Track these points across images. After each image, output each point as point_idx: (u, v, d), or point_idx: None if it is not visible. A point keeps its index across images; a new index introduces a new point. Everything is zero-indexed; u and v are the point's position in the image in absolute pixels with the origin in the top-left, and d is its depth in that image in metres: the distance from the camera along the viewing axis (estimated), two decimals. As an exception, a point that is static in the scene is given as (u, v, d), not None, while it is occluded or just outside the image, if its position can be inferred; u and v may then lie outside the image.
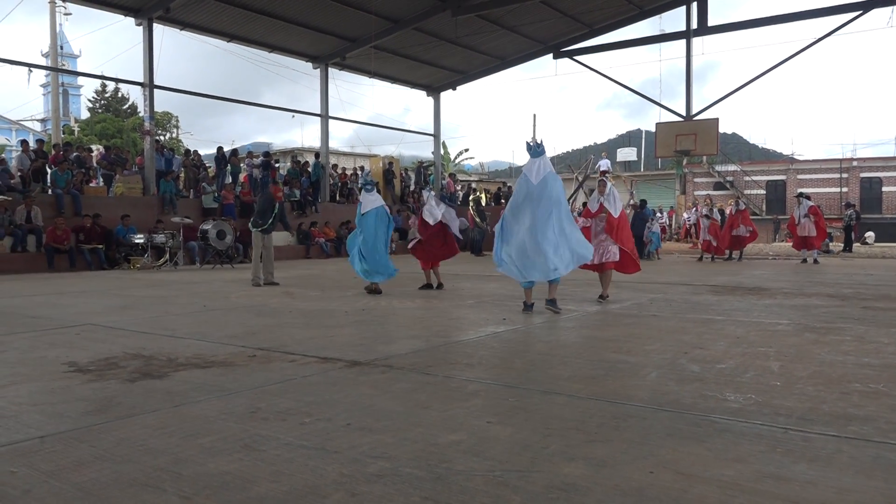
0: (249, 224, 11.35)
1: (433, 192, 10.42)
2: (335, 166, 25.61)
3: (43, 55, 44.90)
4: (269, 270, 11.11)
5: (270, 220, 11.15)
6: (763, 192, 38.98)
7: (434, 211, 9.66)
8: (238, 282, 11.74)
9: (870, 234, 30.11)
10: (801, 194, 18.35)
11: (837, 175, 37.47)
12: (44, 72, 38.71)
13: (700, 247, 19.14)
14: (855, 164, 37.89)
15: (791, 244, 18.93)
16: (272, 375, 4.22)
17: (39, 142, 17.91)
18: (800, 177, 38.36)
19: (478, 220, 22.27)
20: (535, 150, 7.04)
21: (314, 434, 3.01)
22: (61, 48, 35.73)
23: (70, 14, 35.14)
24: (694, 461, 2.64)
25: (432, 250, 9.77)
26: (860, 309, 7.40)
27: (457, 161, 46.89)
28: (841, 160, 38.46)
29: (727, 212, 18.84)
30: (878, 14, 20.46)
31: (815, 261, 16.69)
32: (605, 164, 27.26)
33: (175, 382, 4.04)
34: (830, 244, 22.45)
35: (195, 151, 21.73)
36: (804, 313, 7.07)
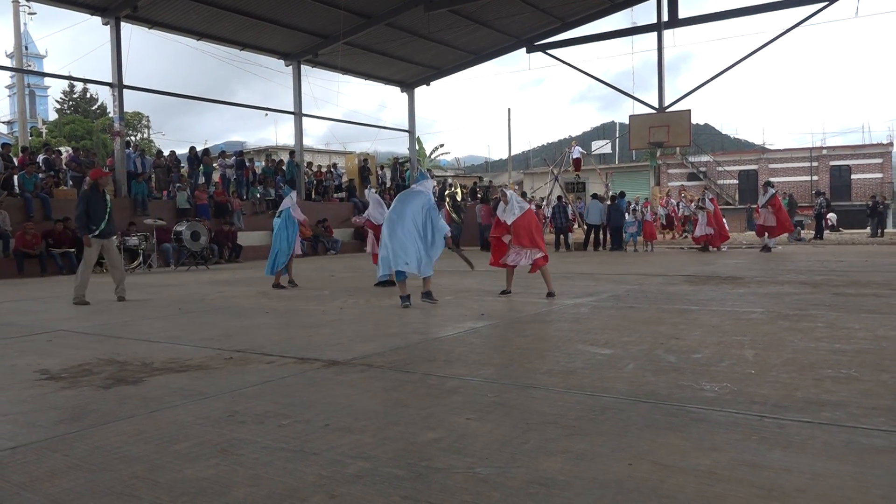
0: (80, 230, 9.08)
1: (374, 191, 10.74)
2: (310, 164, 25.45)
3: (7, 56, 43.97)
4: (120, 281, 8.98)
5: (106, 220, 8.86)
6: (736, 181, 39.50)
7: (381, 210, 9.97)
8: (214, 283, 11.63)
9: (832, 216, 30.60)
10: (766, 183, 18.55)
11: (808, 164, 38.10)
12: (9, 73, 37.91)
13: (696, 240, 18.83)
14: (824, 152, 38.53)
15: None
16: (249, 378, 4.18)
17: (5, 146, 17.53)
18: (771, 166, 38.92)
19: (454, 215, 22.29)
20: (420, 176, 8.24)
21: (292, 436, 2.99)
22: (26, 48, 34.99)
23: (34, 13, 34.40)
24: (671, 451, 2.67)
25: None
26: (831, 295, 7.53)
27: (432, 157, 46.81)
28: (811, 149, 39.11)
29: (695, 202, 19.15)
30: (845, 4, 20.80)
31: (769, 248, 16.88)
32: (577, 151, 27.23)
33: (150, 388, 3.99)
34: (802, 232, 22.80)
35: (171, 152, 21.46)
36: (777, 301, 7.18)
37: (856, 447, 2.67)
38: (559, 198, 22.12)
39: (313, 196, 23.81)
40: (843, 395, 3.43)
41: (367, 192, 10.65)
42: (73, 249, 15.06)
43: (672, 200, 26.15)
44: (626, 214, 19.63)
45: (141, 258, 15.71)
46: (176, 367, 4.56)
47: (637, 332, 5.47)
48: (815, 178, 37.41)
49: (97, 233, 8.80)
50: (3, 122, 52.42)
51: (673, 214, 25.41)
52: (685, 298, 7.67)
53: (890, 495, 2.22)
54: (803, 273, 10.48)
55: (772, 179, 22.28)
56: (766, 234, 17.09)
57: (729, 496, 2.24)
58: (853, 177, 37.31)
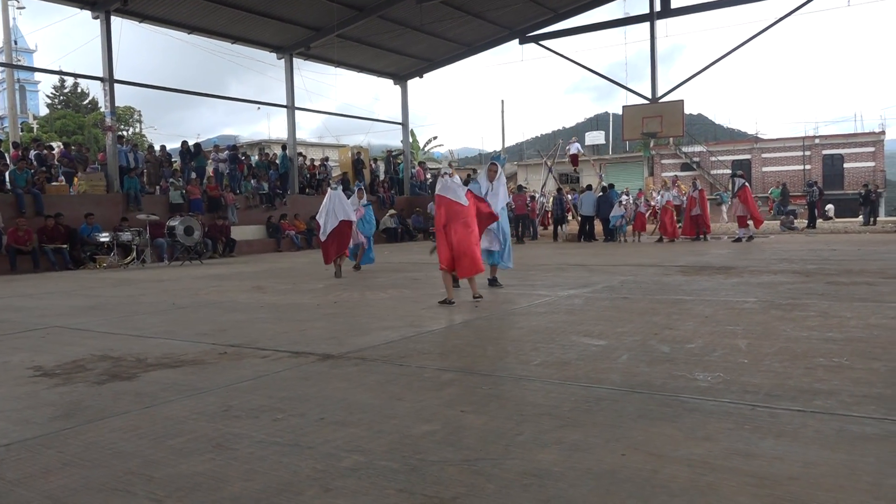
0: None
1: (339, 188, 11.22)
2: (302, 155, 25.33)
3: (-3, 51, 43.56)
4: None
5: None
6: (729, 171, 39.51)
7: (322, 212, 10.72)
8: (208, 278, 11.61)
9: (829, 207, 30.80)
10: (733, 174, 18.62)
11: (801, 153, 38.14)
12: (-2, 68, 37.55)
13: (668, 234, 18.86)
14: (817, 141, 38.56)
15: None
16: (244, 372, 4.18)
17: (-4, 141, 17.42)
18: (764, 155, 38.96)
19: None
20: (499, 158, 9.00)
21: (287, 430, 2.99)
22: (15, 43, 34.69)
23: (23, 8, 34.18)
24: (665, 441, 2.68)
25: (342, 242, 10.76)
26: (824, 284, 7.57)
27: (426, 149, 46.72)
28: (804, 138, 39.11)
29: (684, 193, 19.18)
30: (837, -7, 20.77)
31: (741, 239, 16.94)
32: (575, 147, 27.16)
33: (144, 383, 3.98)
34: (795, 220, 22.87)
35: (162, 146, 21.34)
36: (770, 290, 7.21)
37: (847, 435, 2.69)
38: (559, 189, 22.23)
39: (307, 190, 23.73)
40: (835, 383, 3.45)
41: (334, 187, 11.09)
42: (65, 245, 15.01)
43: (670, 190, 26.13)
44: (616, 206, 19.69)
45: (134, 253, 15.66)
46: (170, 362, 4.56)
47: (631, 322, 5.49)
48: (808, 167, 37.46)
49: None
50: (-6, 118, 51.99)
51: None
52: (679, 289, 7.70)
53: (881, 482, 2.24)
54: (796, 262, 10.52)
55: (734, 171, 22.31)
56: (743, 225, 17.26)
57: (721, 485, 2.25)
58: (846, 165, 37.38)
